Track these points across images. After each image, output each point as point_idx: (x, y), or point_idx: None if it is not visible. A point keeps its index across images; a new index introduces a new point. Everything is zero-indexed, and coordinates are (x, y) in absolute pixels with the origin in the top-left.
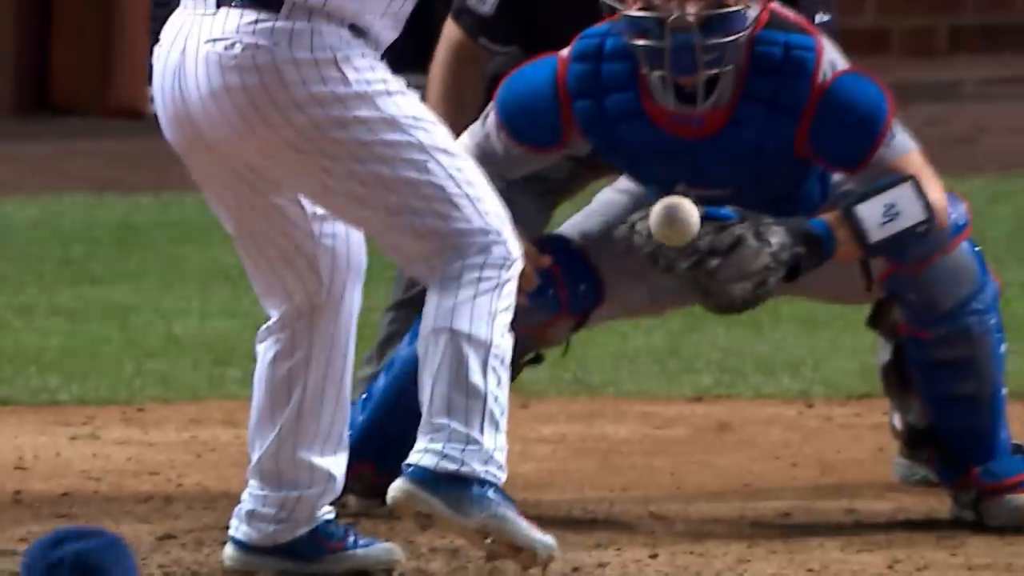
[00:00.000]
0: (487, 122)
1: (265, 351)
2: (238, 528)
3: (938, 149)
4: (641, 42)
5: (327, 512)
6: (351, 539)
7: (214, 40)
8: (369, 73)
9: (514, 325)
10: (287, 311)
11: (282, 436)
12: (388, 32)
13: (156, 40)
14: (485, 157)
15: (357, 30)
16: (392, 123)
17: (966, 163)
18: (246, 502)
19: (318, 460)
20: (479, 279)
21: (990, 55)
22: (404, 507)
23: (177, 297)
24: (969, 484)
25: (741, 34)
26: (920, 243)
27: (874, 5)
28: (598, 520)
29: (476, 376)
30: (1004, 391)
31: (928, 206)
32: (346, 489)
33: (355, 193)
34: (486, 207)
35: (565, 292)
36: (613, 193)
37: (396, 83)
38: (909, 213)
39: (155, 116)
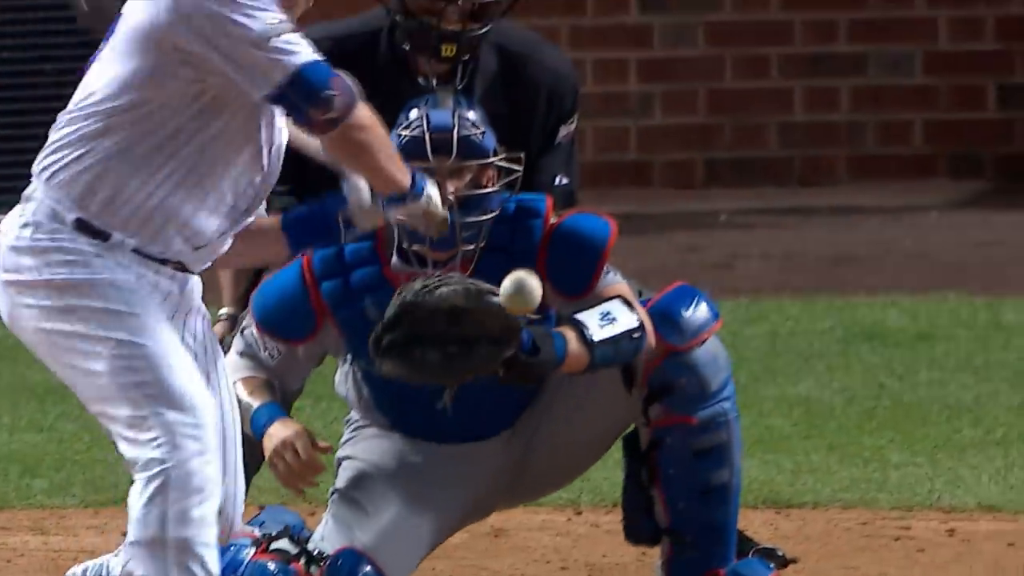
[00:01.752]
0: (245, 333)
1: None
2: None
3: (696, 274)
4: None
5: None
6: None
7: None
8: (67, 267)
9: None
10: None
11: None
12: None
13: None
14: (254, 365)
15: (84, 223)
16: (70, 312)
17: (722, 287)
18: None
19: None
20: (148, 478)
21: (743, 187)
22: None
23: None
24: None
25: (495, 212)
26: (690, 321)
27: (636, 141)
28: None
29: None
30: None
31: (639, 317)
32: None
33: (57, 373)
34: (161, 402)
35: None
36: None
37: (104, 273)
38: (623, 320)
39: None
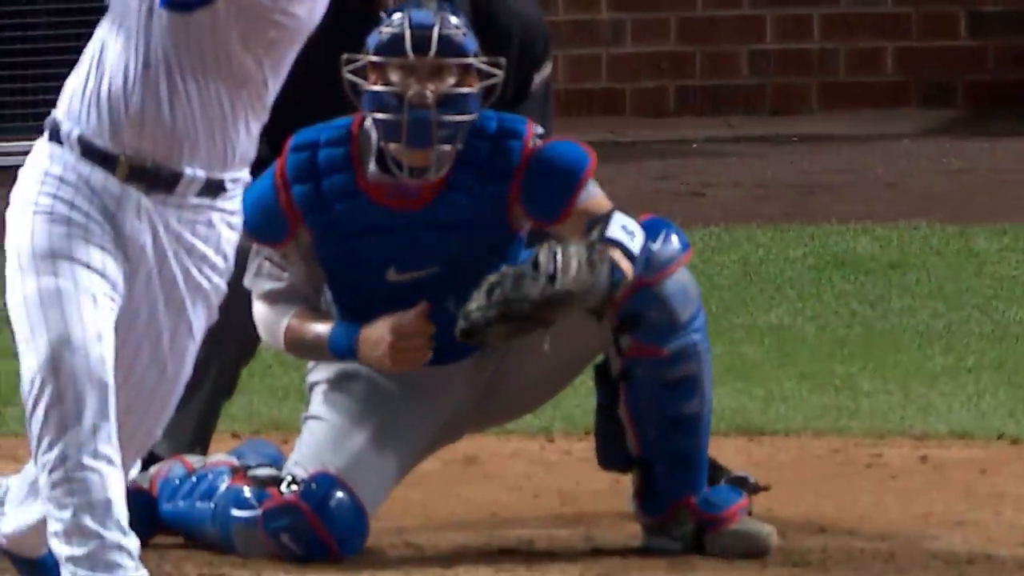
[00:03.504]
0: (260, 271)
1: None
2: None
3: (668, 202)
4: (380, 116)
5: None
6: None
7: None
8: (48, 196)
9: None
10: None
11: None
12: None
13: None
14: (287, 303)
15: (92, 152)
16: (17, 241)
17: (693, 215)
18: None
19: None
20: (28, 404)
21: (715, 116)
22: None
23: None
24: (684, 515)
25: (474, 115)
26: (660, 253)
27: (607, 69)
28: None
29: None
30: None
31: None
32: None
33: None
34: (40, 340)
35: (333, 541)
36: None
37: (61, 211)
38: (639, 232)
39: None
